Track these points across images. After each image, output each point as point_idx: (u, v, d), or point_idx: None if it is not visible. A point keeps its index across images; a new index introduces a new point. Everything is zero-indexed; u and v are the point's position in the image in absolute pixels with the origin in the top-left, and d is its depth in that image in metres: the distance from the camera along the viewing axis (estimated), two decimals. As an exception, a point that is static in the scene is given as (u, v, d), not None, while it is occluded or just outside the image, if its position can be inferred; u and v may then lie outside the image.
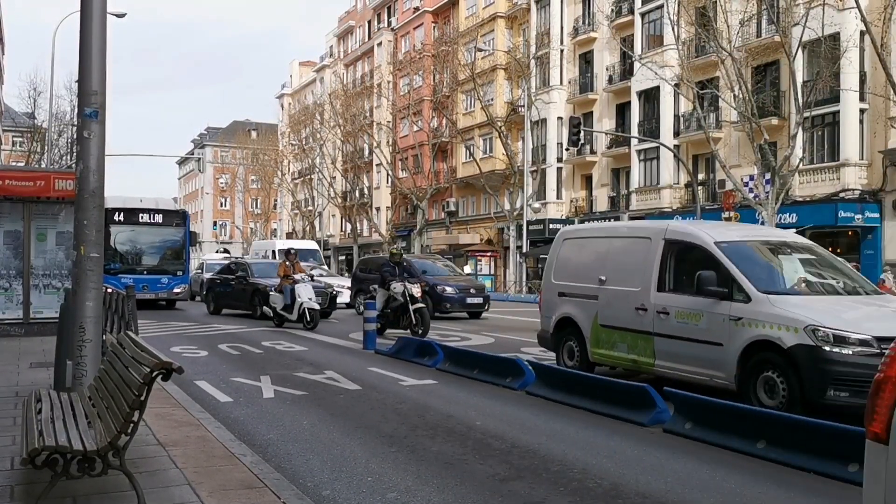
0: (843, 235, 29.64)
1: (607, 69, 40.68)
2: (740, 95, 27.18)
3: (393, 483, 5.59)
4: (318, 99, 65.96)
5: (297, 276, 18.18)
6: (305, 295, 17.72)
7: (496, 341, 15.48)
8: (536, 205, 41.08)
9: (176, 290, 24.26)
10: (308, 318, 17.43)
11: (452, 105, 50.85)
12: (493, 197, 44.94)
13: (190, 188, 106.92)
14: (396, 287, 15.73)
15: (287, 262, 18.83)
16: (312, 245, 39.51)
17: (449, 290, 21.42)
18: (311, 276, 19.20)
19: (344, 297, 24.40)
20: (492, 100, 45.95)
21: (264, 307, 20.44)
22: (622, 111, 39.89)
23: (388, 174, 56.94)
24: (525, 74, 41.27)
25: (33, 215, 13.94)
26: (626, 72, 39.06)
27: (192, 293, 29.70)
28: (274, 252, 35.92)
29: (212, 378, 10.20)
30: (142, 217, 23.98)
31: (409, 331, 15.34)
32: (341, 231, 69.24)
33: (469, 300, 21.71)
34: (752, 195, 28.26)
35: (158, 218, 24.23)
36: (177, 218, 24.87)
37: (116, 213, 23.37)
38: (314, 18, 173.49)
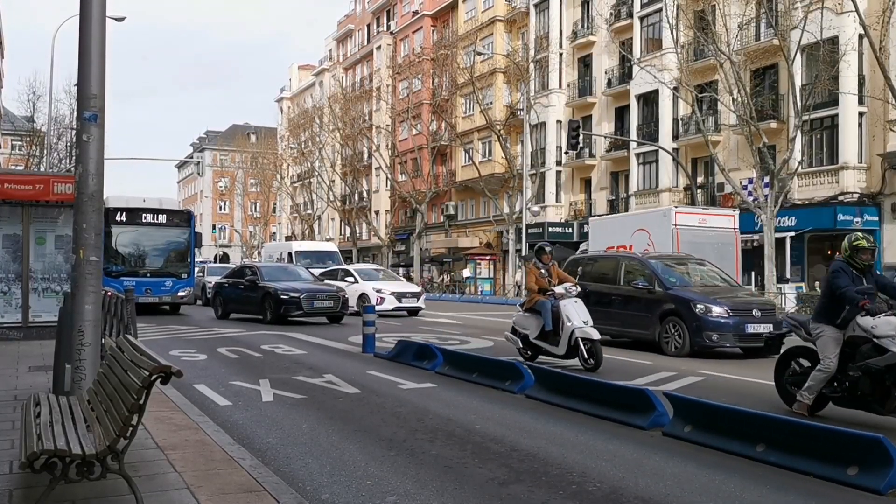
0: (842, 238, 29.52)
1: (606, 73, 40.74)
2: (739, 99, 27.22)
3: (392, 487, 5.58)
4: (318, 102, 66.02)
5: (558, 289, 11.99)
6: (577, 318, 11.62)
7: (495, 344, 15.46)
8: (535, 208, 41.10)
9: (181, 294, 23.23)
10: (585, 355, 11.48)
11: (451, 109, 50.90)
12: (493, 200, 44.96)
13: (189, 192, 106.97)
14: (884, 326, 7.49)
15: (541, 268, 12.46)
16: (331, 247, 36.42)
17: (716, 310, 13.36)
18: (580, 289, 12.52)
19: (389, 304, 23.48)
20: (491, 103, 46.00)
21: (279, 311, 20.13)
22: (621, 115, 39.94)
23: (387, 178, 56.98)
24: (524, 78, 41.32)
25: (32, 219, 13.93)
26: (625, 75, 39.13)
27: (196, 297, 29.37)
28: (290, 255, 32.80)
29: (211, 381, 10.19)
30: (145, 217, 22.95)
31: None
32: (340, 234, 69.25)
33: (751, 328, 13.32)
34: (750, 198, 28.28)
35: (162, 218, 23.21)
36: (181, 218, 23.88)
37: (118, 213, 22.54)
38: (313, 22, 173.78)
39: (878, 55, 23.42)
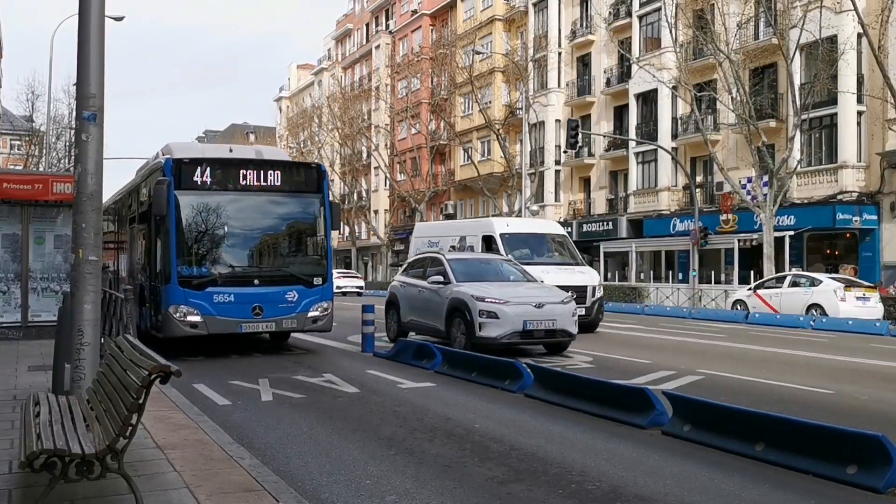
0: (841, 237, 29.69)
1: (605, 72, 40.74)
2: (738, 98, 27.24)
3: (391, 486, 5.58)
4: (316, 102, 66.00)
5: None
6: None
7: (495, 344, 15.42)
8: (534, 207, 41.09)
9: (312, 314, 13.15)
10: None
11: (450, 108, 50.88)
12: (492, 200, 44.95)
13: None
14: None
15: None
16: (556, 228, 22.02)
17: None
18: None
19: None
20: (490, 102, 45.99)
21: None
22: (620, 114, 39.94)
23: (386, 177, 56.97)
24: (523, 77, 41.32)
25: (31, 218, 13.95)
26: (624, 74, 39.12)
27: (401, 329, 15.43)
28: (491, 239, 19.73)
29: (210, 381, 10.18)
30: (244, 176, 13.00)
31: None
32: (339, 234, 69.29)
33: None
34: (749, 197, 28.29)
35: (275, 177, 13.20)
36: (308, 178, 13.77)
37: (196, 170, 12.67)
38: (312, 22, 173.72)
39: (876, 54, 23.43)
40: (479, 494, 5.41)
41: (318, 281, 13.33)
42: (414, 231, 25.75)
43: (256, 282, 12.92)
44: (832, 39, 26.46)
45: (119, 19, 34.65)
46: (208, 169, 12.75)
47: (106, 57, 6.87)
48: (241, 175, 13.00)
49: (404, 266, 16.27)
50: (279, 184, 13.30)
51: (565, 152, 39.91)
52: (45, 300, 13.90)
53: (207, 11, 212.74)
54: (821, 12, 25.21)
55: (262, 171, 13.18)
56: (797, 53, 26.58)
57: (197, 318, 12.10)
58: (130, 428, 4.28)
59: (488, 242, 19.88)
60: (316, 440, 6.99)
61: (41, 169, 38.69)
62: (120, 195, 18.11)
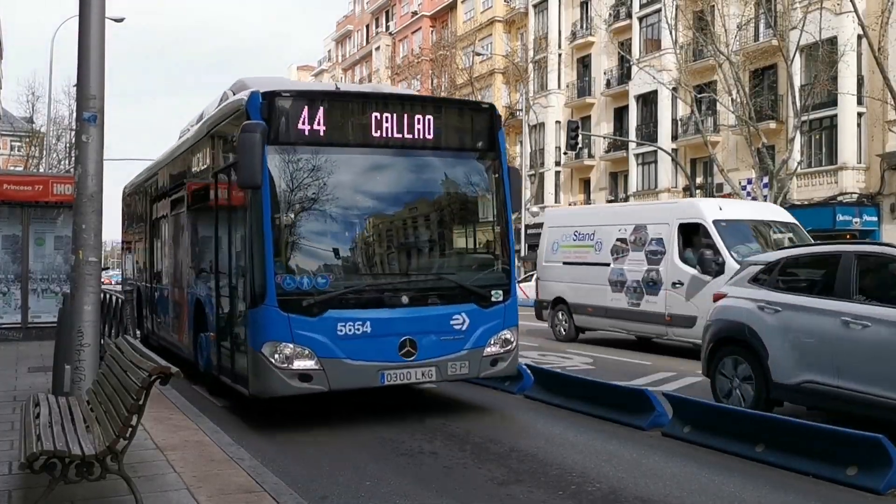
0: (841, 239, 29.69)
1: (605, 73, 40.75)
2: (738, 99, 27.22)
3: (391, 487, 5.58)
4: (317, 103, 65.95)
5: None
6: None
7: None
8: (534, 209, 41.10)
9: (491, 349, 8.12)
10: None
11: (451, 109, 50.85)
12: (492, 201, 44.93)
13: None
14: None
15: None
16: (784, 214, 14.97)
17: None
18: None
19: None
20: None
21: None
22: (620, 115, 39.94)
23: (386, 178, 56.96)
24: (523, 79, 41.32)
25: (32, 220, 13.96)
26: (624, 76, 39.13)
27: (770, 396, 7.91)
28: (697, 229, 13.31)
29: (209, 381, 10.16)
30: (378, 125, 7.80)
31: None
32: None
33: None
34: (749, 199, 28.27)
35: (427, 125, 8.07)
36: (476, 127, 8.55)
37: (304, 111, 7.47)
38: (313, 23, 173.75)
39: (876, 56, 23.41)
40: (478, 496, 5.41)
41: (497, 295, 8.23)
42: (546, 219, 18.80)
43: (405, 299, 7.79)
44: (832, 41, 26.45)
45: (119, 20, 34.65)
46: (322, 110, 7.57)
47: (106, 58, 6.88)
48: (375, 122, 7.81)
49: (753, 270, 8.50)
50: (431, 136, 8.11)
51: (565, 153, 39.90)
52: (45, 301, 13.90)
53: (207, 12, 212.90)
54: (821, 14, 25.19)
55: (408, 116, 8.00)
56: (797, 55, 26.57)
57: (310, 364, 7.27)
58: (130, 429, 4.28)
59: (688, 234, 13.53)
60: (316, 441, 6.99)
61: (41, 170, 38.70)
62: (160, 166, 12.61)
